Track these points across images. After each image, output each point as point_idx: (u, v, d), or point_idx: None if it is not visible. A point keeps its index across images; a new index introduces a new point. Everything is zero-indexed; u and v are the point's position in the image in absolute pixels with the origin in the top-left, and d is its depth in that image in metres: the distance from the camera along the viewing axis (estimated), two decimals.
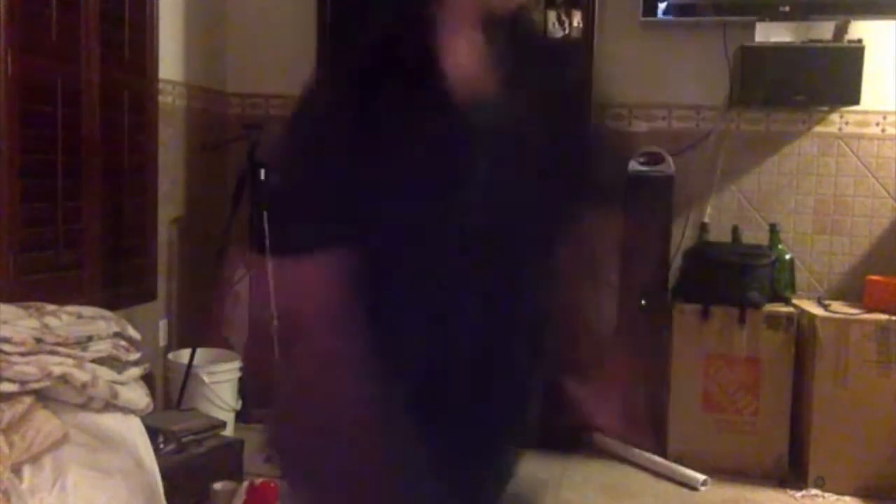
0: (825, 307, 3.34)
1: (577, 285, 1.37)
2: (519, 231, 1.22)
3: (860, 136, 3.61)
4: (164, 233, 3.57)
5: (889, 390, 3.15)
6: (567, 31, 3.54)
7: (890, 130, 3.58)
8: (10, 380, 1.99)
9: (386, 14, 1.23)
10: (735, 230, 3.60)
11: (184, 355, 3.39)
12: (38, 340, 2.12)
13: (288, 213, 1.26)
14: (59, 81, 2.76)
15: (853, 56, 3.32)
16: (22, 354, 2.05)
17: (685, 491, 3.19)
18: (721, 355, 3.33)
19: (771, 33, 3.44)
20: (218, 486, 2.81)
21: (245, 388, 3.58)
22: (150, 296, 3.45)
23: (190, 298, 3.79)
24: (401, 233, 1.17)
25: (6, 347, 2.03)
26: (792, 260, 3.55)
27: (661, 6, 3.57)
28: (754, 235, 3.68)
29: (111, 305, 2.78)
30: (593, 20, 3.42)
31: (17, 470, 1.90)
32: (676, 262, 3.65)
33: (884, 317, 3.18)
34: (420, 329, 1.18)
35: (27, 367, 2.03)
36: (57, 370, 2.08)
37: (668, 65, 3.73)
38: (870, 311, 3.25)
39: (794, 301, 3.46)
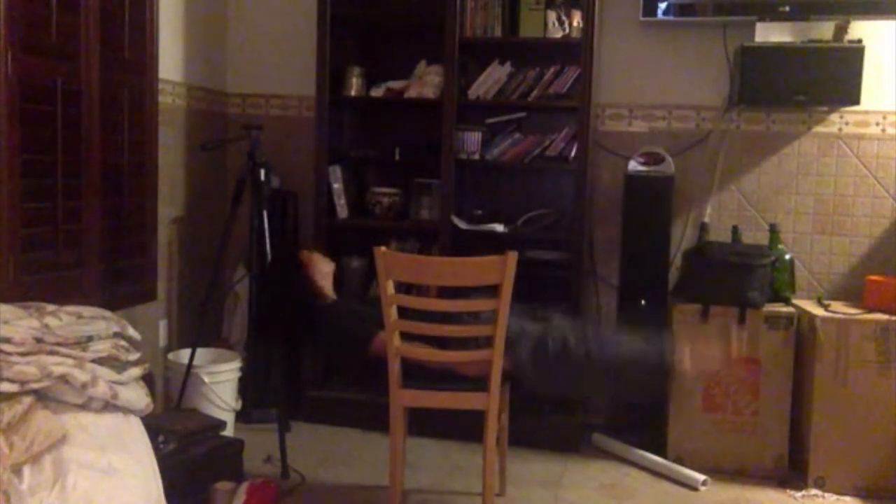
0: (825, 307, 3.34)
1: None
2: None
3: (860, 136, 3.61)
4: (164, 233, 3.57)
5: (889, 390, 3.15)
6: (567, 31, 3.54)
7: (890, 130, 3.58)
8: (10, 380, 1.99)
9: None
10: (735, 230, 3.60)
11: (184, 355, 3.39)
12: (38, 340, 2.12)
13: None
14: (59, 81, 2.76)
15: (853, 56, 3.32)
16: (22, 354, 2.05)
17: (685, 491, 3.19)
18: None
19: (771, 33, 3.44)
20: (218, 486, 2.81)
21: (245, 388, 3.59)
22: (150, 296, 3.45)
23: (190, 299, 3.80)
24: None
25: (6, 347, 2.03)
26: (792, 260, 3.55)
27: (661, 6, 3.58)
28: (754, 235, 3.68)
29: (111, 305, 2.79)
30: (593, 20, 3.42)
31: (17, 470, 1.90)
32: (676, 262, 3.65)
33: (884, 317, 3.18)
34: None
35: (27, 367, 2.03)
36: (57, 370, 2.08)
37: (668, 65, 3.73)
38: (870, 311, 3.25)
39: (794, 301, 3.46)
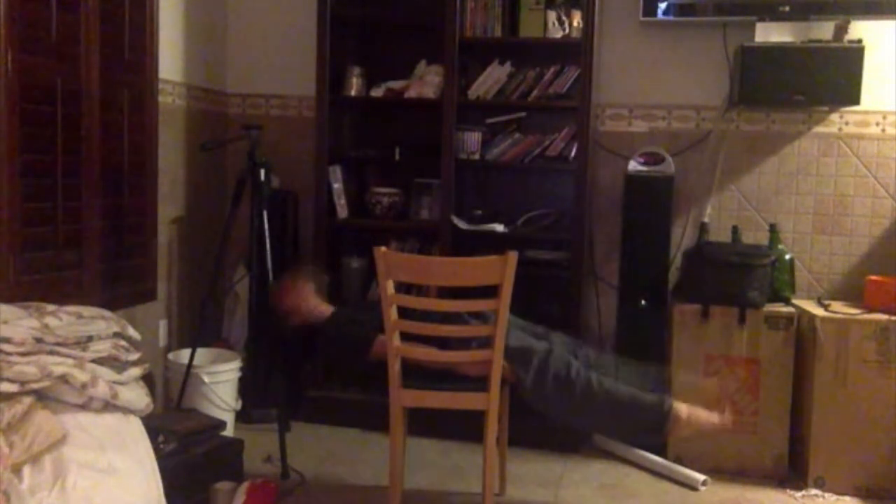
0: (825, 307, 3.34)
1: None
2: None
3: (860, 136, 3.61)
4: (164, 233, 3.57)
5: (889, 390, 3.15)
6: (567, 31, 3.54)
7: (890, 130, 3.58)
8: (10, 380, 2.00)
9: None
10: (735, 230, 3.60)
11: (184, 355, 3.39)
12: (38, 340, 2.12)
13: None
14: (59, 81, 2.76)
15: (853, 56, 3.32)
16: (22, 354, 2.06)
17: (685, 491, 3.19)
18: (721, 355, 3.33)
19: (771, 33, 3.44)
20: (218, 486, 2.81)
21: (245, 388, 3.59)
22: (150, 296, 3.45)
23: (190, 298, 3.80)
24: None
25: (6, 347, 2.03)
26: (792, 260, 3.55)
27: (661, 6, 3.58)
28: (754, 235, 3.68)
29: (111, 305, 2.79)
30: (593, 20, 3.42)
31: (17, 470, 1.90)
32: (676, 262, 3.65)
33: (884, 317, 3.18)
34: None
35: (27, 367, 2.03)
36: (57, 370, 2.08)
37: (668, 65, 3.73)
38: (870, 311, 3.25)
39: (794, 301, 3.46)
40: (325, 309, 3.06)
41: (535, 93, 3.59)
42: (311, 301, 3.09)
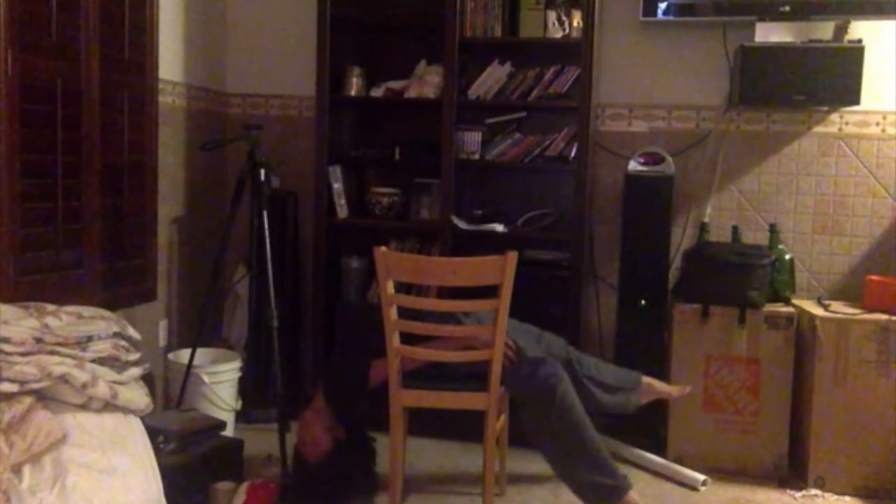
0: (825, 307, 3.34)
1: None
2: None
3: (860, 136, 3.61)
4: (164, 233, 3.57)
5: (889, 390, 3.15)
6: (567, 31, 3.54)
7: (890, 130, 3.58)
8: (10, 380, 2.00)
9: None
10: (735, 230, 3.60)
11: (184, 355, 3.39)
12: (38, 340, 2.12)
13: None
14: (59, 81, 2.76)
15: (853, 56, 3.32)
16: (22, 354, 2.06)
17: (685, 491, 3.19)
18: (721, 355, 3.33)
19: (771, 33, 3.44)
20: (218, 486, 2.82)
21: (245, 388, 3.59)
22: (150, 296, 3.45)
23: (190, 298, 3.80)
24: None
25: (6, 347, 2.04)
26: (792, 260, 3.55)
27: (661, 6, 3.58)
28: (754, 235, 3.68)
29: (111, 305, 2.79)
30: (593, 20, 3.42)
31: (17, 470, 1.90)
32: (676, 262, 3.65)
33: (884, 317, 3.18)
34: None
35: (27, 367, 2.03)
36: (57, 370, 2.08)
37: (668, 65, 3.73)
38: (870, 311, 3.25)
39: (794, 301, 3.47)
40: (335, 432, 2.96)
41: (535, 93, 3.59)
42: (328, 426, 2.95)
